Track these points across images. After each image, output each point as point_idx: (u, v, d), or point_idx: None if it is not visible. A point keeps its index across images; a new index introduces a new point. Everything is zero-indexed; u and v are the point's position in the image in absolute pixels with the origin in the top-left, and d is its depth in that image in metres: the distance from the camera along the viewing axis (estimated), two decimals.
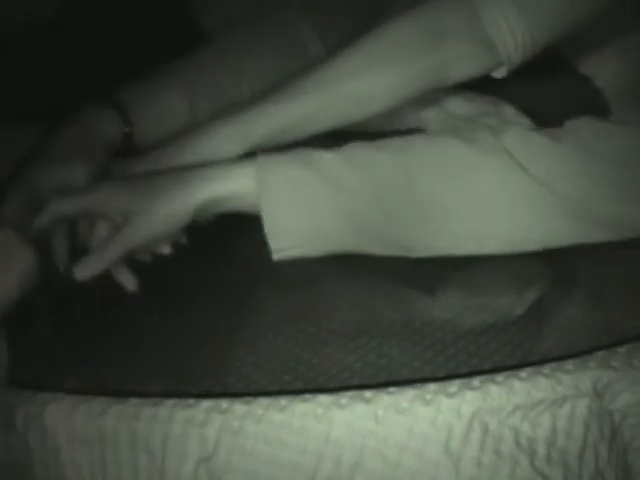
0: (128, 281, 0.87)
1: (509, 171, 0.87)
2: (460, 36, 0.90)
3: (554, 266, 0.88)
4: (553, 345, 0.75)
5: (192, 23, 1.26)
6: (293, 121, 0.90)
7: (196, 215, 0.87)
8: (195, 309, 0.85)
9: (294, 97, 0.90)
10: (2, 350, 0.72)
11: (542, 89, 1.11)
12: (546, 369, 0.69)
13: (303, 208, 0.87)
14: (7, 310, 0.77)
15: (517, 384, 0.68)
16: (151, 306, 0.86)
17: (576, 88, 1.13)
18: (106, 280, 0.85)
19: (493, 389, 0.68)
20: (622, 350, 0.71)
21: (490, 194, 0.87)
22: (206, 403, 0.68)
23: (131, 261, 0.87)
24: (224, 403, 0.68)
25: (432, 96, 1.05)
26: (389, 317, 0.82)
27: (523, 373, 0.69)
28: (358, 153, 0.88)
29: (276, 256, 0.88)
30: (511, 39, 0.89)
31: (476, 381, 0.68)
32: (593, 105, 1.10)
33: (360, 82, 0.90)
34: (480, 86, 1.03)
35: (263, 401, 0.68)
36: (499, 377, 0.69)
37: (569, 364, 0.70)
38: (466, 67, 0.92)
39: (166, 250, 0.89)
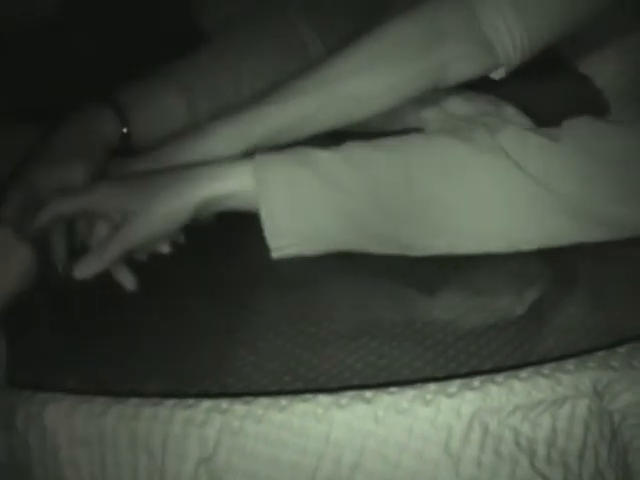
0: (127, 281, 0.87)
1: (506, 170, 0.87)
2: (459, 37, 0.90)
3: (554, 266, 0.88)
4: (553, 345, 0.75)
5: (192, 23, 1.26)
6: (293, 121, 0.90)
7: (195, 214, 0.87)
8: (195, 309, 0.85)
9: (294, 97, 0.90)
10: (1, 349, 0.72)
11: (542, 89, 1.11)
12: (546, 369, 0.69)
13: (301, 207, 0.87)
14: (5, 308, 0.77)
15: (517, 384, 0.68)
16: (151, 306, 0.86)
17: (576, 88, 1.13)
18: (105, 280, 0.85)
19: (493, 389, 0.68)
20: (622, 350, 0.71)
21: (487, 193, 0.87)
22: (206, 403, 0.68)
23: (130, 261, 0.87)
24: (224, 403, 0.68)
25: (432, 96, 1.05)
26: (390, 318, 0.82)
27: (523, 373, 0.69)
28: (356, 152, 0.88)
29: (275, 255, 0.88)
30: (509, 40, 0.89)
31: (476, 381, 0.68)
32: (593, 105, 1.10)
33: (360, 82, 0.90)
34: (480, 86, 1.03)
35: (263, 401, 0.68)
36: (499, 377, 0.69)
37: (569, 364, 0.70)
38: (464, 68, 0.92)
39: (165, 249, 0.89)
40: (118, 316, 0.85)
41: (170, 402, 0.68)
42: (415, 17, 0.91)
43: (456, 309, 0.83)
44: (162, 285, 0.89)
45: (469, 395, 0.68)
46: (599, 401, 0.69)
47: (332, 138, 0.91)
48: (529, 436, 0.68)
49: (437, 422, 0.67)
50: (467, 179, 0.87)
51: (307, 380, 0.72)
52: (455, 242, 0.88)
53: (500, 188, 0.87)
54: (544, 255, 0.88)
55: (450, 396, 0.67)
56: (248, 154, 0.89)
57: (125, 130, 0.98)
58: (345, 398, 0.68)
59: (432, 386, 0.68)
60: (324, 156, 0.88)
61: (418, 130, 1.06)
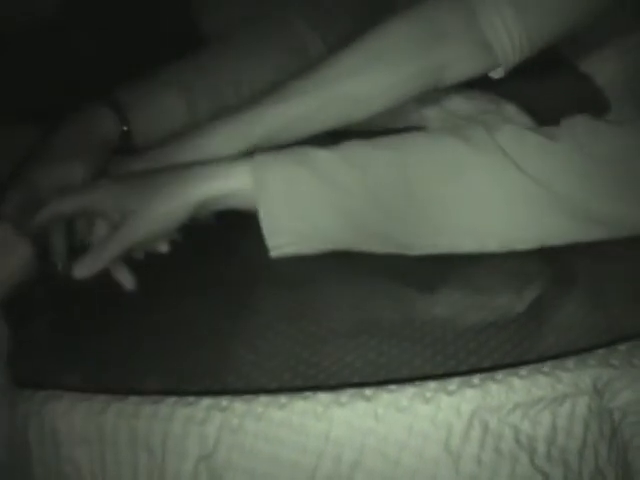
0: (127, 280, 0.87)
1: (504, 169, 0.87)
2: (458, 37, 0.90)
3: (554, 264, 0.88)
4: (553, 343, 0.75)
5: (192, 24, 1.26)
6: (293, 121, 0.90)
7: (194, 213, 0.87)
8: (195, 308, 0.85)
9: (294, 97, 0.90)
10: (3, 338, 0.72)
11: (542, 87, 1.11)
12: (546, 367, 0.69)
13: (299, 205, 0.87)
14: (6, 299, 0.77)
15: (517, 382, 0.68)
16: (150, 305, 0.86)
17: (577, 87, 1.13)
18: (105, 278, 0.85)
19: (493, 387, 0.68)
20: (622, 348, 0.71)
21: (485, 192, 0.87)
22: (206, 401, 0.68)
23: (130, 259, 0.87)
24: (224, 401, 0.68)
25: (433, 95, 1.05)
26: (389, 316, 0.82)
27: (523, 371, 0.69)
28: (354, 151, 0.88)
29: (273, 253, 0.88)
30: (508, 40, 0.89)
31: (476, 379, 0.68)
32: (594, 103, 1.10)
33: (359, 82, 0.90)
34: (481, 84, 1.03)
35: (263, 399, 0.68)
36: (499, 375, 0.69)
37: (569, 362, 0.70)
38: (463, 68, 0.92)
39: (164, 248, 0.89)
40: (118, 315, 0.85)
41: (170, 400, 0.68)
42: (414, 17, 0.91)
43: (455, 307, 0.83)
44: (161, 284, 0.89)
45: (469, 393, 0.68)
46: (599, 399, 0.69)
47: (332, 138, 0.91)
48: (529, 434, 0.68)
49: (437, 420, 0.67)
50: (465, 178, 0.87)
51: (307, 378, 0.72)
52: (454, 241, 0.88)
53: (498, 187, 0.87)
54: (543, 254, 0.88)
55: (450, 394, 0.67)
56: (248, 154, 0.89)
57: (125, 128, 0.98)
58: (345, 396, 0.68)
59: (432, 384, 0.68)
60: (322, 155, 0.88)
61: (420, 128, 1.06)
